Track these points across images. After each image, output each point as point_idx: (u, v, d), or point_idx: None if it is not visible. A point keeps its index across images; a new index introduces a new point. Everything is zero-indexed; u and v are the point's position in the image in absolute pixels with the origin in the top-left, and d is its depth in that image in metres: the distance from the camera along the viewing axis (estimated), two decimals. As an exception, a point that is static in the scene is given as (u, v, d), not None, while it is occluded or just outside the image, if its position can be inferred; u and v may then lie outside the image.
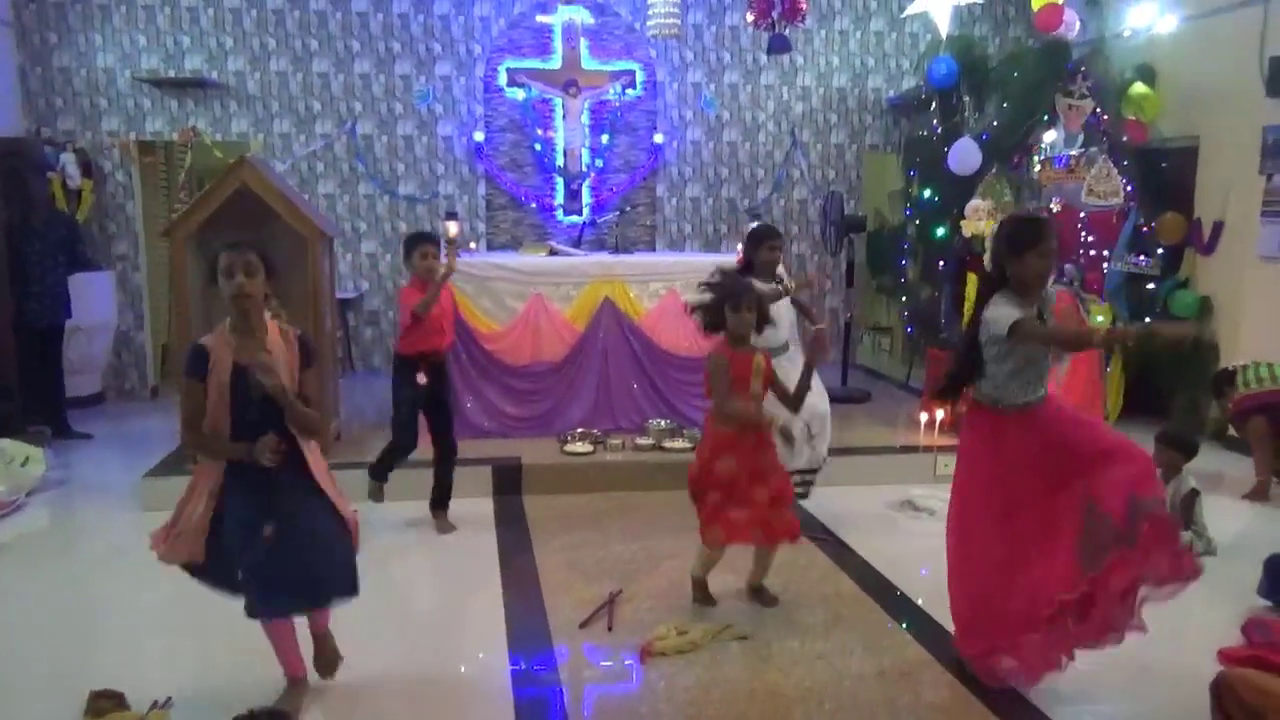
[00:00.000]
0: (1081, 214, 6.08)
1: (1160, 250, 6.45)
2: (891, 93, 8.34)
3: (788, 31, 6.03)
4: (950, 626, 3.34)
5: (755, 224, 5.27)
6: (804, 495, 4.77)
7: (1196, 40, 6.52)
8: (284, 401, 2.71)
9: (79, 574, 4.23)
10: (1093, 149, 6.30)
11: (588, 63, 7.81)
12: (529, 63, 7.79)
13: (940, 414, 5.62)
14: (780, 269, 4.72)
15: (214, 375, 2.73)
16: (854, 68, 8.33)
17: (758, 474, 3.57)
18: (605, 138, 7.92)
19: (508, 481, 5.22)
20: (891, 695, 3.11)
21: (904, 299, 7.56)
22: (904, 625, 3.63)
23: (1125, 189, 6.16)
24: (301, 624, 3.04)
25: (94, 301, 6.96)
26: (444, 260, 4.51)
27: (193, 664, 3.33)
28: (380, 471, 4.69)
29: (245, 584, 2.79)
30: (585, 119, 7.85)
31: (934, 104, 6.96)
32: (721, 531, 3.58)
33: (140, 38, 7.45)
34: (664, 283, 5.95)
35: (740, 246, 4.87)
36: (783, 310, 4.56)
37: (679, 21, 6.33)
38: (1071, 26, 6.43)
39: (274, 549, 2.72)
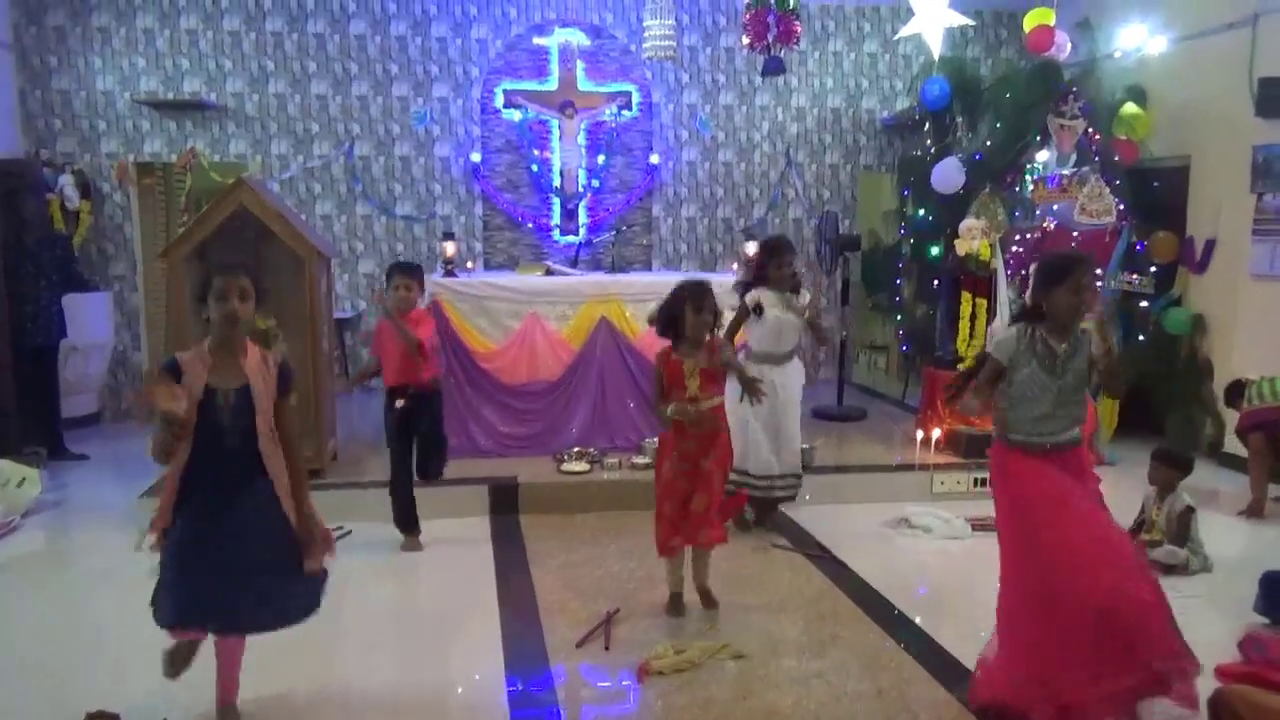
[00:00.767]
0: (1075, 233, 6.12)
1: (1153, 268, 6.49)
2: (885, 113, 8.41)
3: (782, 53, 6.08)
4: (961, 658, 3.35)
5: (771, 236, 5.33)
6: (790, 498, 4.89)
7: (1186, 61, 6.59)
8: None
9: (75, 595, 4.21)
10: (1085, 168, 6.35)
11: (584, 84, 7.87)
12: (526, 84, 7.85)
13: (936, 432, 5.64)
14: (805, 291, 4.80)
15: (184, 390, 2.69)
16: (848, 89, 8.41)
17: (697, 476, 3.70)
18: (601, 158, 7.97)
19: (504, 501, 5.21)
20: (890, 714, 3.10)
21: (899, 317, 7.59)
22: (902, 644, 3.61)
23: (1117, 208, 6.21)
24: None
25: (91, 322, 6.98)
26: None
27: (188, 685, 3.31)
28: (401, 519, 4.67)
29: (159, 587, 2.77)
30: (581, 140, 7.91)
31: (927, 124, 7.02)
32: (661, 540, 3.76)
33: (140, 60, 7.51)
34: (660, 302, 5.96)
35: (740, 256, 4.92)
36: (792, 320, 4.65)
37: (674, 44, 6.38)
38: (1063, 48, 6.51)
39: (204, 561, 2.70)
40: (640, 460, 5.53)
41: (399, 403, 4.49)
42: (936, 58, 6.46)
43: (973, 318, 6.07)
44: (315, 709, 3.10)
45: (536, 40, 7.85)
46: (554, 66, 7.86)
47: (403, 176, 7.93)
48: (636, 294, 5.95)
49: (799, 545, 4.70)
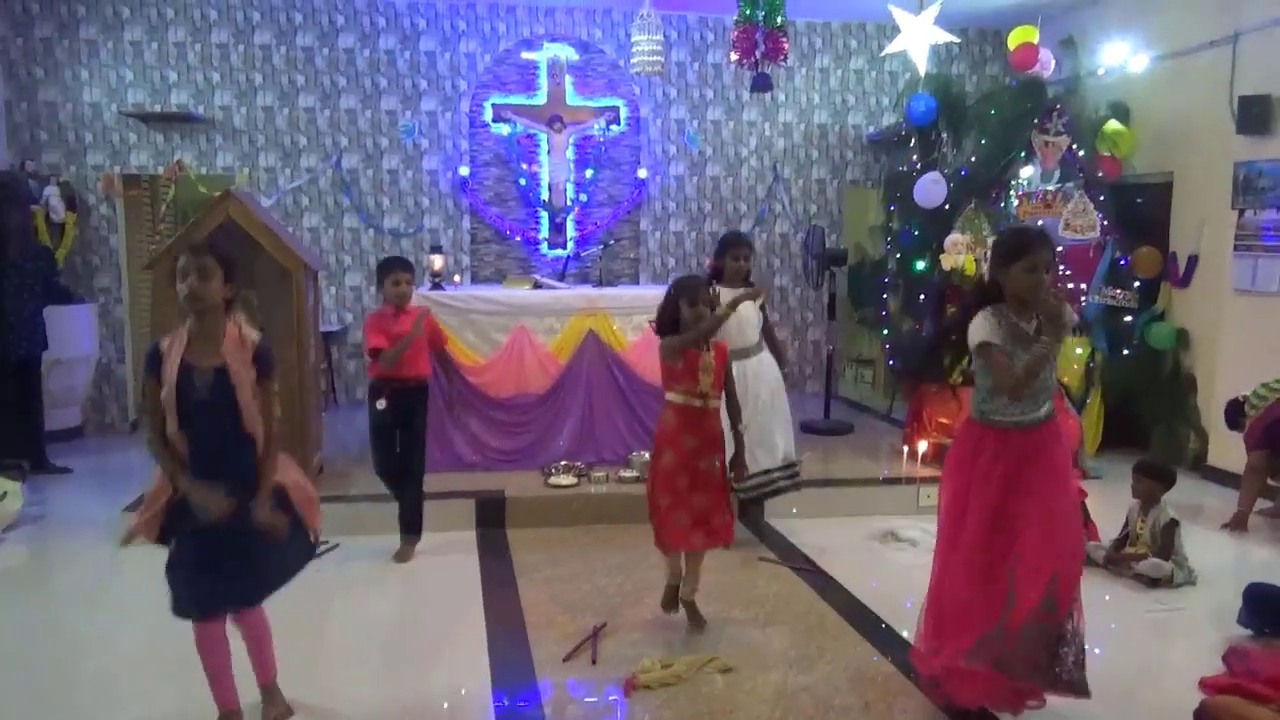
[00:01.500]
0: (1059, 248, 6.17)
1: (1137, 283, 6.55)
2: (871, 129, 8.48)
3: (770, 69, 6.13)
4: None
5: (727, 232, 5.38)
6: (792, 488, 4.87)
7: (1168, 79, 6.67)
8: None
9: (57, 610, 4.17)
10: (1069, 184, 6.42)
11: (572, 99, 7.90)
12: (514, 98, 7.87)
13: (922, 446, 5.66)
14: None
15: (163, 373, 2.73)
16: (835, 105, 8.47)
17: (697, 475, 3.66)
18: (589, 172, 7.99)
19: (491, 514, 5.19)
20: (876, 727, 3.10)
21: (885, 332, 7.62)
22: (889, 657, 3.61)
23: (1101, 223, 6.26)
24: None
25: (75, 334, 6.93)
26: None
27: (172, 701, 3.28)
28: (415, 519, 4.68)
29: (170, 579, 2.79)
30: (570, 154, 7.93)
31: (913, 140, 7.08)
32: (669, 538, 3.71)
33: (127, 73, 7.50)
34: (647, 315, 5.89)
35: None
36: (752, 313, 4.66)
37: (662, 59, 6.42)
38: (1047, 65, 6.58)
39: (209, 549, 2.74)
40: (628, 474, 5.52)
41: (381, 403, 4.50)
42: (922, 74, 6.52)
43: (963, 309, 6.08)
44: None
45: (525, 55, 7.88)
46: (543, 81, 7.89)
47: (391, 190, 7.93)
48: (624, 307, 5.96)
49: (786, 559, 4.70)
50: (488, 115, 7.87)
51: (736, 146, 8.37)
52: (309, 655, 3.61)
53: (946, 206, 6.48)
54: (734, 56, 6.06)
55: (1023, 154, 6.50)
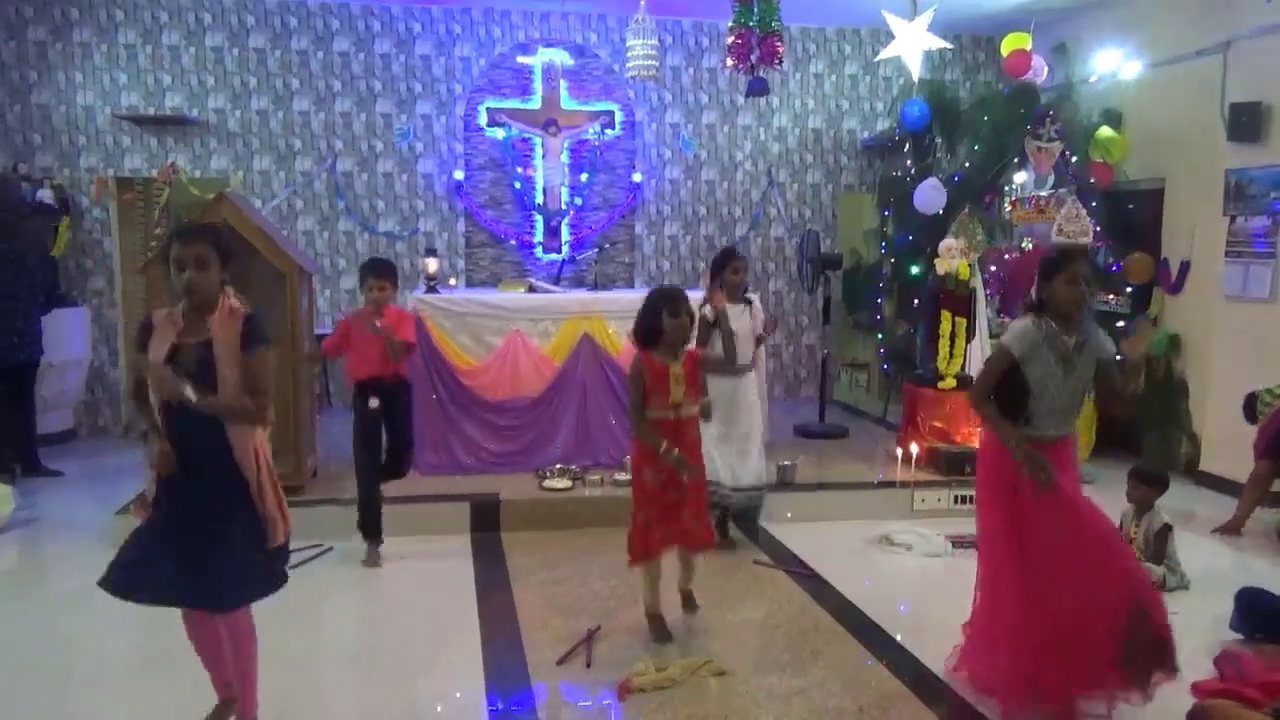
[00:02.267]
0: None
1: (1129, 289, 6.58)
2: (866, 134, 8.50)
3: (765, 74, 6.15)
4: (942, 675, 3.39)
5: (723, 249, 5.42)
6: (753, 516, 4.98)
7: (1160, 86, 6.71)
8: (196, 408, 2.65)
9: (48, 614, 4.15)
10: (1062, 190, 6.45)
11: (567, 103, 7.91)
12: (509, 103, 7.88)
13: (916, 450, 5.67)
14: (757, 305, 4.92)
15: (152, 349, 2.71)
16: (829, 110, 8.50)
17: (678, 486, 3.64)
18: (584, 176, 8.00)
19: (486, 518, 5.19)
20: (870, 731, 3.10)
21: (880, 336, 7.65)
22: (883, 661, 3.62)
23: (1094, 229, 6.29)
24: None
25: (68, 338, 6.90)
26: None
27: (164, 704, 3.27)
28: (374, 524, 4.66)
29: (121, 552, 2.80)
30: (565, 158, 7.94)
31: (907, 145, 7.11)
32: (639, 548, 3.70)
33: (121, 76, 7.48)
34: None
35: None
36: (746, 331, 4.72)
37: (657, 63, 6.43)
38: (1040, 72, 6.62)
39: (161, 536, 2.75)
40: (622, 477, 5.51)
41: (373, 402, 4.50)
42: (916, 80, 6.55)
43: (952, 336, 6.13)
44: (293, 728, 3.06)
45: (520, 59, 7.89)
46: (538, 85, 7.90)
47: (385, 193, 7.93)
48: (619, 311, 5.96)
49: (780, 562, 4.70)
50: (483, 119, 7.87)
51: (731, 151, 8.39)
52: (301, 657, 3.60)
53: (940, 211, 6.51)
54: (729, 61, 6.07)
55: (1016, 160, 6.53)
